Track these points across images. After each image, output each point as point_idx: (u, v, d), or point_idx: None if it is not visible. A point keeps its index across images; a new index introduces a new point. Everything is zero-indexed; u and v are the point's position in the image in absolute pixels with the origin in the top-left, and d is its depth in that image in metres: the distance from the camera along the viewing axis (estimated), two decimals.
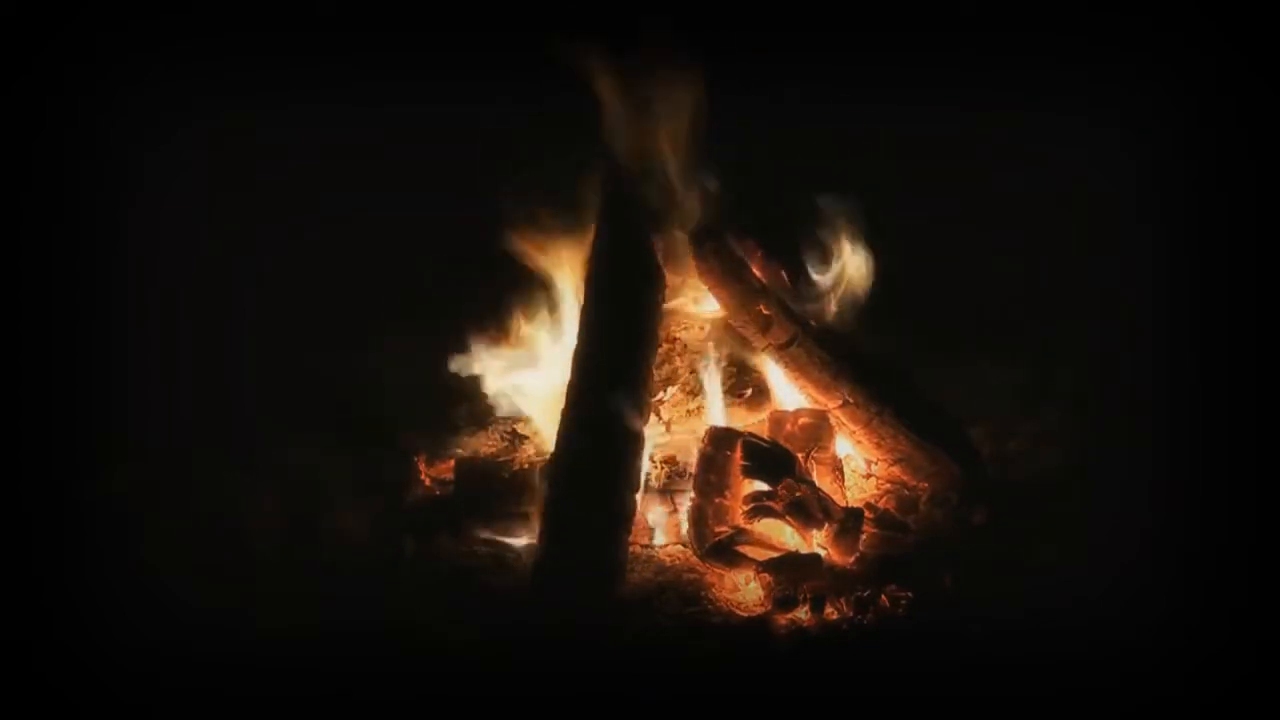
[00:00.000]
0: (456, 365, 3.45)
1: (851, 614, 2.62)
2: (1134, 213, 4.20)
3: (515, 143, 3.75)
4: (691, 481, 3.00)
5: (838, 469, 3.14)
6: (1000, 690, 2.32)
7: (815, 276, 3.42)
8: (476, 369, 3.45)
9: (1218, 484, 3.05)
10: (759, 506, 2.87)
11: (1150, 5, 4.20)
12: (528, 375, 3.42)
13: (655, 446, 3.19)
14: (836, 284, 3.41)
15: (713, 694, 2.36)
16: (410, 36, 4.28)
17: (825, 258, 3.40)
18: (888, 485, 3.25)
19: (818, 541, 2.87)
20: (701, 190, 3.35)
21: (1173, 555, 2.74)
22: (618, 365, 2.97)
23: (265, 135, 4.06)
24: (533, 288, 3.41)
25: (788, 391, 3.36)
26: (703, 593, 2.76)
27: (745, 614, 2.67)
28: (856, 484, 3.28)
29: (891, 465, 3.23)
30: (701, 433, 3.10)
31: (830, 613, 2.64)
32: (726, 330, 3.36)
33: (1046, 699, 2.30)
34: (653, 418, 3.12)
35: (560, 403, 2.97)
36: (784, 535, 2.87)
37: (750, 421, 3.31)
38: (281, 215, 4.12)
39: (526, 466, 3.25)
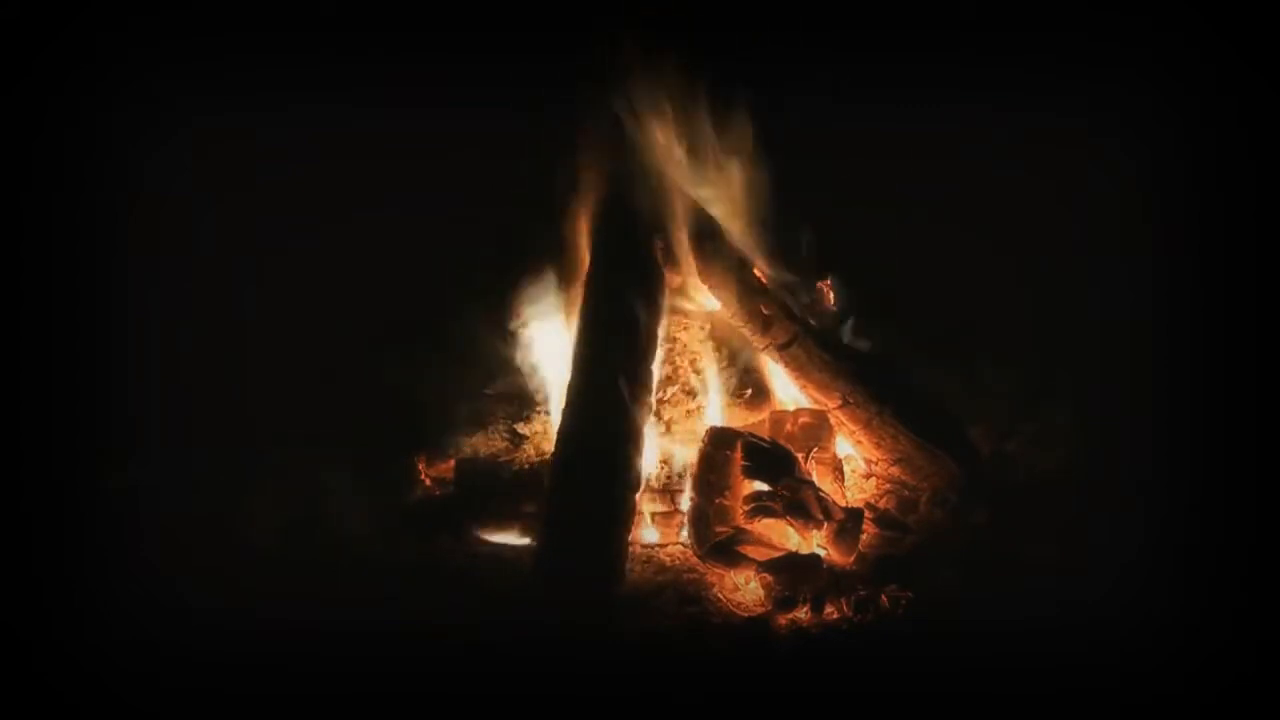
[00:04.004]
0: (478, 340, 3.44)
1: (851, 614, 2.62)
2: (1134, 213, 4.19)
3: (516, 143, 3.74)
4: (691, 481, 3.00)
5: (838, 469, 3.14)
6: (1000, 690, 2.32)
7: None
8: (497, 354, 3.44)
9: (1217, 484, 3.05)
10: (759, 506, 2.88)
11: (1150, 5, 4.19)
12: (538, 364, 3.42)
13: (655, 447, 3.20)
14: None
15: (713, 693, 2.36)
16: (411, 36, 4.28)
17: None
18: (888, 485, 3.25)
19: (818, 541, 2.88)
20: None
21: (1173, 555, 2.75)
22: (618, 365, 2.97)
23: (265, 135, 4.05)
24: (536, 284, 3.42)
25: (788, 391, 3.36)
26: (703, 593, 2.76)
27: (745, 614, 2.67)
28: (856, 484, 3.28)
29: (891, 465, 3.23)
30: (701, 433, 3.10)
31: (830, 613, 2.64)
32: (726, 330, 3.36)
33: (1046, 699, 2.30)
34: (653, 418, 3.12)
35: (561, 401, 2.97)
36: (784, 535, 2.87)
37: (750, 421, 3.31)
38: (281, 215, 4.12)
39: (526, 466, 3.25)
